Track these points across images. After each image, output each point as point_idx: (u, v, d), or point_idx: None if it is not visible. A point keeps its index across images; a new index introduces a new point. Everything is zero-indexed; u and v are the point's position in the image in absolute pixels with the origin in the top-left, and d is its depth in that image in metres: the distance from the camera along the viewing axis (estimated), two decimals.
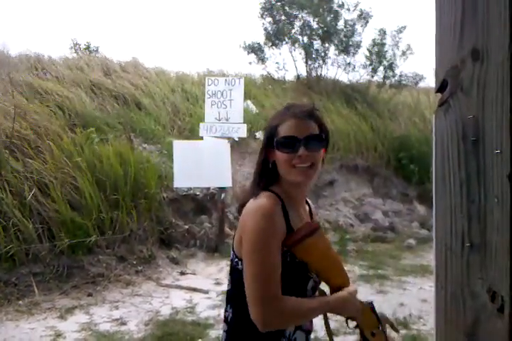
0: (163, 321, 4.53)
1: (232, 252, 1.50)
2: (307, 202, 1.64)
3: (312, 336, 4.26)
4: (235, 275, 1.46)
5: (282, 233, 1.38)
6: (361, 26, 11.86)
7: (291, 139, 1.43)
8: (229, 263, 1.55)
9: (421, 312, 4.83)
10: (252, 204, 1.41)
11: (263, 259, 1.33)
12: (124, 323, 4.48)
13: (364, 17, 11.78)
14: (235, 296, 1.47)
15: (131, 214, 6.05)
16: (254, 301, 1.33)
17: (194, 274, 5.92)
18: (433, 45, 0.73)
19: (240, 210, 1.51)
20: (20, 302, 4.78)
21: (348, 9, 11.78)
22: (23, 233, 5.25)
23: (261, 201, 1.39)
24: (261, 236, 1.34)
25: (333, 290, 1.51)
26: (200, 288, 5.33)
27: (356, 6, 11.76)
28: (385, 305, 4.88)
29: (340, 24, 11.72)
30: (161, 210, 6.63)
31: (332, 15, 11.58)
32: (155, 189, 6.52)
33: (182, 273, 5.93)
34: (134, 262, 5.83)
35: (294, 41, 11.96)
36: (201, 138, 6.56)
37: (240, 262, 1.43)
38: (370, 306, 1.58)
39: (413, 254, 7.33)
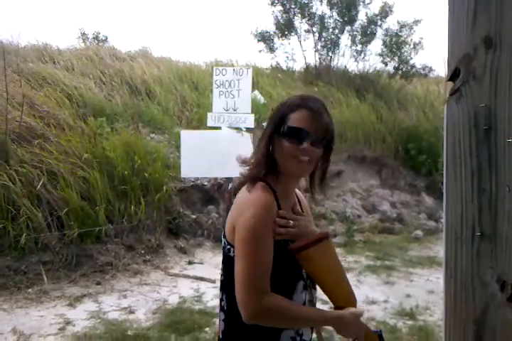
0: (170, 310, 4.57)
1: (223, 240, 1.47)
2: (296, 194, 1.63)
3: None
4: (228, 262, 1.43)
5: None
6: (380, 19, 11.73)
7: (300, 131, 1.42)
8: None
9: (428, 303, 4.83)
10: (248, 195, 1.39)
11: (258, 250, 1.31)
12: (132, 312, 4.52)
13: (386, 11, 11.66)
14: (228, 285, 1.44)
15: (140, 204, 6.08)
16: (243, 291, 1.31)
17: (201, 263, 5.96)
18: (444, 37, 0.72)
19: (235, 193, 1.50)
20: (30, 290, 4.84)
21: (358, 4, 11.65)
22: (32, 222, 5.29)
23: (259, 193, 1.38)
24: (258, 226, 1.32)
25: (336, 308, 1.47)
26: (208, 277, 5.36)
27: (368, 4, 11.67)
28: (392, 296, 4.89)
29: (356, 14, 11.60)
30: (169, 200, 6.65)
31: (347, 6, 11.46)
32: (163, 179, 6.54)
33: (189, 263, 5.96)
34: (142, 251, 5.87)
35: (305, 30, 11.87)
36: (209, 128, 6.56)
37: (232, 249, 1.40)
38: (378, 333, 1.50)
39: (420, 246, 7.32)
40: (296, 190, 1.63)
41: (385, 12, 11.73)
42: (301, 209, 1.61)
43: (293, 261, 1.41)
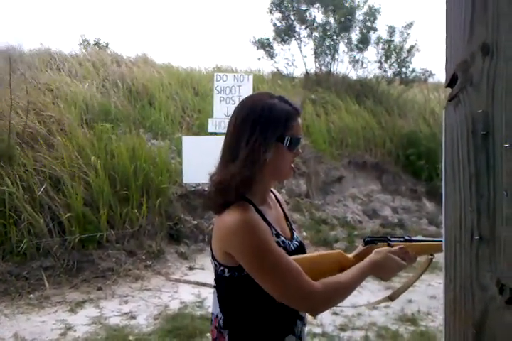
0: (172, 315, 4.57)
1: (212, 260, 1.43)
2: (272, 192, 1.61)
3: (320, 331, 4.25)
4: (223, 283, 1.42)
5: (270, 232, 1.37)
6: (370, 23, 11.77)
7: (300, 139, 1.44)
8: None
9: (429, 308, 4.83)
10: (228, 219, 1.33)
11: (276, 262, 1.30)
12: (133, 317, 4.52)
13: (373, 13, 11.70)
14: (223, 303, 1.43)
15: (141, 210, 6.09)
16: (297, 298, 1.32)
17: (202, 269, 5.95)
18: (442, 41, 0.73)
19: (214, 207, 1.41)
20: (31, 295, 4.84)
21: (358, 6, 11.71)
22: (34, 227, 5.30)
23: (237, 214, 1.32)
24: (259, 245, 1.30)
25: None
26: (209, 282, 5.35)
27: (366, 2, 11.70)
28: (394, 301, 4.89)
29: (351, 20, 11.65)
30: (170, 206, 6.66)
31: (342, 11, 11.51)
32: (164, 184, 6.56)
33: (190, 268, 5.96)
34: (143, 257, 5.87)
35: (304, 36, 11.92)
36: (210, 133, 6.58)
37: (226, 269, 1.38)
38: (403, 239, 1.59)
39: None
40: (272, 189, 1.61)
41: (373, 15, 11.73)
42: (281, 207, 1.61)
43: None
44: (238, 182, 1.34)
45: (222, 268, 1.39)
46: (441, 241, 1.63)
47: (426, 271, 1.72)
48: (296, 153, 1.45)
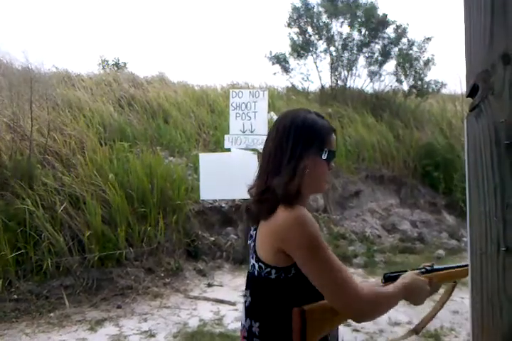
0: (191, 333, 4.53)
1: (255, 263, 1.43)
2: None
3: None
4: (265, 286, 1.41)
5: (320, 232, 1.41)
6: (396, 40, 11.83)
7: (335, 153, 1.50)
8: None
9: (452, 324, 4.72)
10: (280, 217, 1.35)
11: (329, 256, 1.33)
12: (152, 335, 4.50)
13: (400, 33, 11.76)
14: (261, 309, 1.43)
15: (158, 227, 6.11)
16: (344, 296, 1.33)
17: (221, 286, 5.92)
18: (456, 53, 0.73)
19: (251, 209, 1.48)
20: (52, 314, 4.85)
21: (383, 25, 11.76)
22: (54, 246, 5.34)
23: (289, 211, 1.35)
24: (317, 239, 1.33)
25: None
26: (228, 299, 5.33)
27: (393, 22, 11.77)
28: (416, 317, 4.79)
29: (375, 35, 11.72)
30: (188, 222, 6.67)
31: (365, 26, 11.59)
32: (182, 201, 6.57)
33: (209, 285, 5.93)
34: (162, 274, 5.86)
35: (321, 51, 11.99)
36: (226, 150, 6.61)
37: (273, 271, 1.38)
38: (425, 270, 1.60)
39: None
40: None
41: (399, 34, 11.78)
42: None
43: None
44: (285, 193, 1.38)
45: (268, 269, 1.40)
46: (463, 266, 1.62)
47: (450, 298, 1.74)
48: (330, 167, 1.50)
